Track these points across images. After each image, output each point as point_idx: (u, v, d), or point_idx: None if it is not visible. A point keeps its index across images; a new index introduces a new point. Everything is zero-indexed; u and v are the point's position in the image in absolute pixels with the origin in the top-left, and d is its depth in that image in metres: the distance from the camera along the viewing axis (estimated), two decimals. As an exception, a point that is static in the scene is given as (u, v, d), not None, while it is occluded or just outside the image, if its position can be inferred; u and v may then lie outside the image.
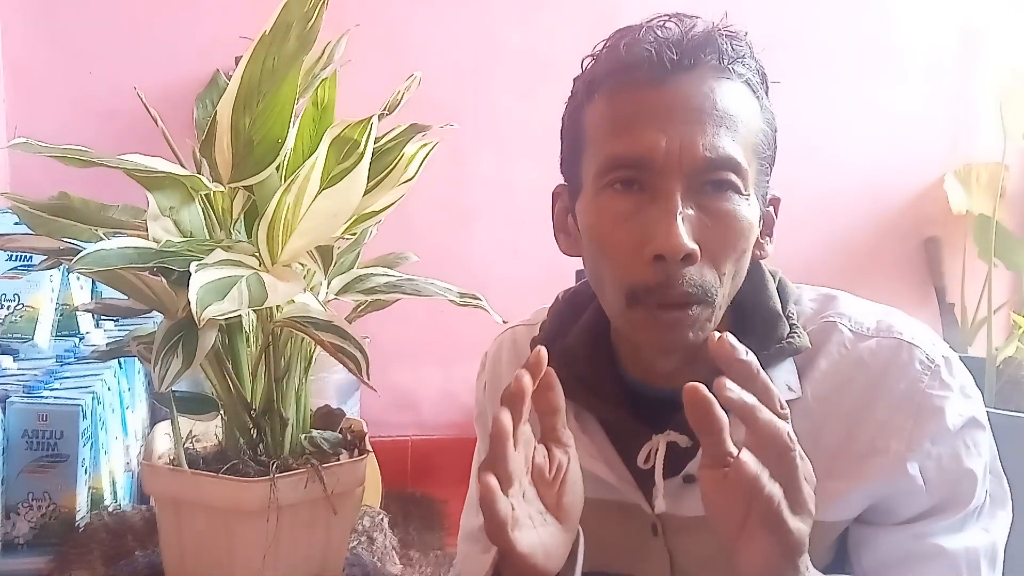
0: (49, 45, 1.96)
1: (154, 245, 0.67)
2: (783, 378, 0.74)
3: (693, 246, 0.67)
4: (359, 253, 0.88)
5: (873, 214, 2.56)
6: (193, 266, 0.63)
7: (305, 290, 0.74)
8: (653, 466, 0.76)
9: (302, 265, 0.75)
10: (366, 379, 0.68)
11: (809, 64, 2.42)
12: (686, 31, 0.70)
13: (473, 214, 2.23)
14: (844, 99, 2.47)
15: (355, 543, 0.97)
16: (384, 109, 0.82)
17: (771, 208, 0.77)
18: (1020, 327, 2.04)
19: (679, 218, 0.67)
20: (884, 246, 2.56)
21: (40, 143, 0.66)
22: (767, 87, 0.74)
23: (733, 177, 0.69)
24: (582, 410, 0.80)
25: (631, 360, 0.80)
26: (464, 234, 2.24)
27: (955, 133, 2.58)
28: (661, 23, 0.71)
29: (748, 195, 0.70)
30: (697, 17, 0.71)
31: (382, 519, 1.07)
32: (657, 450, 0.76)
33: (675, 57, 0.68)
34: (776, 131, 0.74)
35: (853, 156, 2.50)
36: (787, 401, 0.72)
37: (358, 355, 0.69)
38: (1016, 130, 2.24)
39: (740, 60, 0.71)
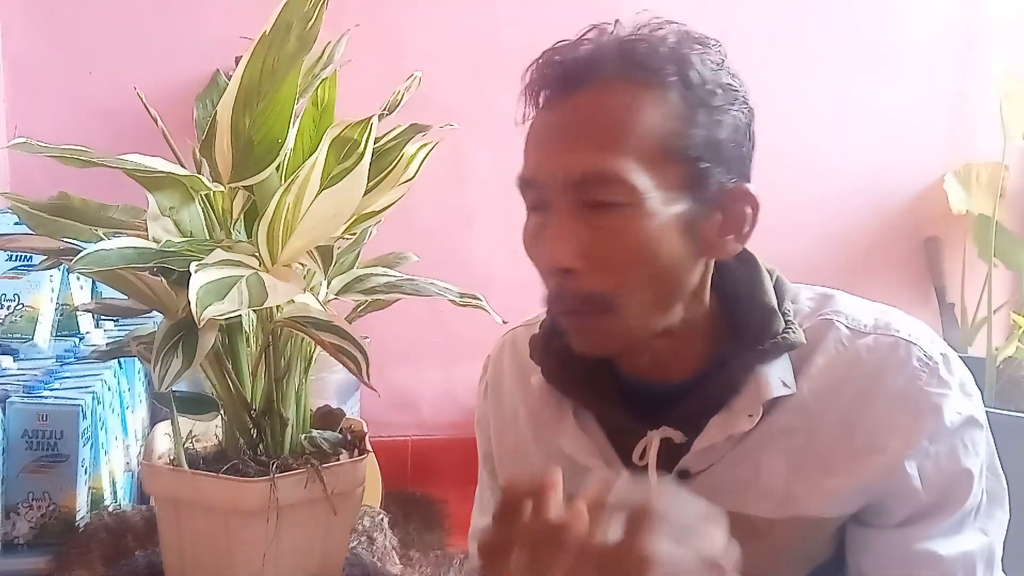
0: (49, 45, 1.96)
1: (154, 245, 0.67)
2: (778, 374, 0.74)
3: (569, 262, 0.70)
4: (359, 253, 0.88)
5: (873, 214, 2.56)
6: (193, 266, 0.63)
7: (305, 290, 0.74)
8: (646, 460, 0.77)
9: (302, 265, 0.75)
10: (366, 379, 0.68)
11: (809, 64, 2.41)
12: (588, 46, 0.72)
13: (473, 214, 2.23)
14: (844, 99, 2.47)
15: (355, 543, 0.97)
16: (384, 109, 0.82)
17: (740, 204, 0.73)
18: (1020, 327, 2.04)
19: (561, 235, 0.70)
20: (884, 246, 2.56)
21: (40, 143, 0.66)
22: (694, 84, 0.70)
23: (610, 191, 0.69)
24: (579, 407, 0.81)
25: (624, 357, 0.80)
26: (464, 234, 2.23)
27: (955, 133, 2.58)
28: (565, 42, 0.73)
29: (640, 203, 0.69)
30: (613, 24, 0.73)
31: (382, 519, 1.07)
32: (651, 446, 0.76)
33: (568, 77, 0.71)
34: (719, 123, 0.71)
35: (853, 156, 2.50)
36: (781, 397, 0.74)
37: (358, 355, 0.69)
38: (1016, 130, 2.24)
39: (642, 66, 0.70)
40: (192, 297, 0.60)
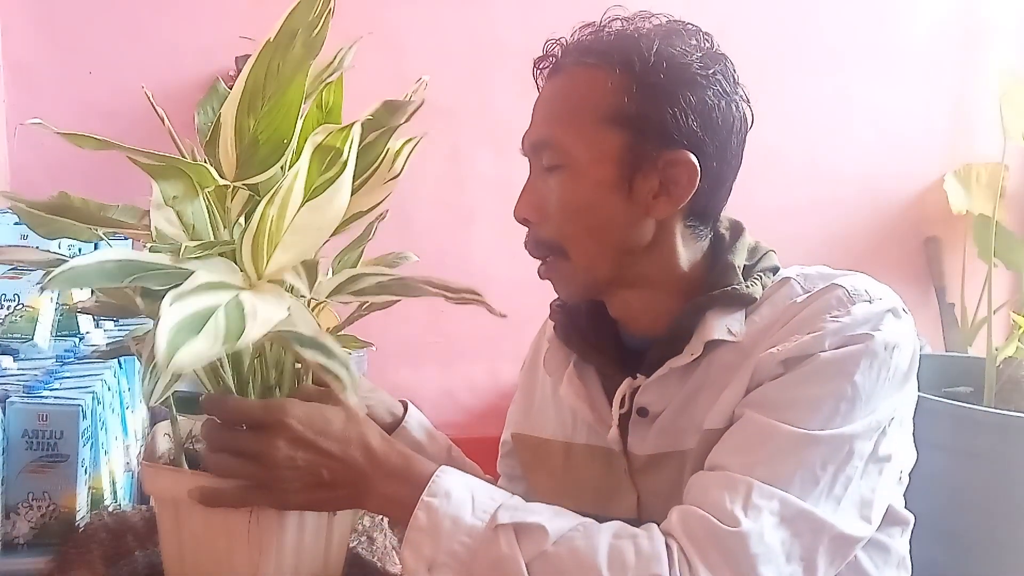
0: (49, 45, 1.96)
1: (138, 258, 0.64)
2: (725, 322, 0.81)
3: (523, 213, 0.85)
4: (362, 252, 0.88)
5: (873, 214, 2.56)
6: (167, 299, 0.57)
7: (290, 306, 0.72)
8: (628, 410, 0.84)
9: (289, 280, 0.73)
10: (350, 400, 0.66)
11: (809, 65, 2.42)
12: (567, 38, 0.84)
13: (473, 214, 2.24)
14: (844, 99, 2.47)
15: (355, 543, 0.97)
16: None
17: (676, 170, 0.80)
18: (1020, 327, 2.04)
19: (524, 191, 0.85)
20: (884, 246, 2.56)
21: (45, 124, 0.65)
22: (633, 65, 0.79)
23: (551, 155, 0.82)
24: (580, 359, 0.91)
25: (613, 312, 0.89)
26: (464, 234, 2.24)
27: (955, 133, 2.58)
28: (559, 37, 0.85)
29: (574, 165, 0.80)
30: (593, 23, 0.84)
31: (382, 519, 1.07)
32: (620, 392, 0.85)
33: (546, 66, 0.86)
34: (657, 99, 0.78)
35: (853, 156, 2.50)
36: (727, 343, 0.80)
37: (343, 373, 0.64)
38: (1016, 130, 2.24)
39: (590, 52, 0.81)
40: (161, 342, 0.54)
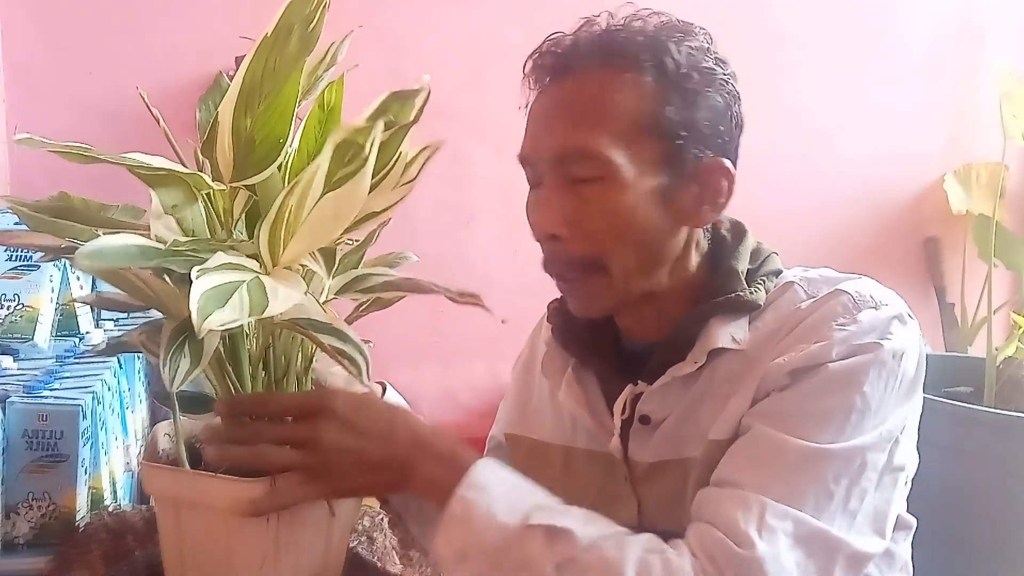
0: (49, 45, 1.96)
1: (157, 244, 0.67)
2: (729, 329, 0.80)
3: (555, 229, 0.79)
4: (364, 254, 0.88)
5: (873, 214, 2.56)
6: (194, 271, 0.62)
7: (306, 292, 0.74)
8: (628, 416, 0.84)
9: (302, 267, 0.74)
10: (366, 382, 0.68)
11: (809, 64, 2.42)
12: (575, 38, 0.80)
13: (473, 214, 2.23)
14: (844, 98, 2.47)
15: (355, 543, 0.97)
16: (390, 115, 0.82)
17: (715, 177, 0.79)
18: (1020, 327, 2.04)
19: (547, 205, 0.79)
20: (884, 246, 2.56)
21: (43, 139, 0.66)
22: (668, 69, 0.77)
23: (588, 166, 0.77)
24: (579, 364, 0.89)
25: (617, 318, 0.88)
26: (464, 234, 2.24)
27: (955, 133, 2.58)
28: (559, 34, 0.82)
29: (616, 176, 0.76)
30: (602, 16, 0.81)
31: (382, 519, 1.07)
32: (621, 399, 0.84)
33: (553, 65, 0.80)
34: (694, 103, 0.77)
35: (853, 155, 2.50)
36: (729, 351, 0.79)
37: (358, 358, 0.68)
38: (1016, 130, 2.24)
39: (619, 54, 0.77)
40: (193, 306, 0.59)
